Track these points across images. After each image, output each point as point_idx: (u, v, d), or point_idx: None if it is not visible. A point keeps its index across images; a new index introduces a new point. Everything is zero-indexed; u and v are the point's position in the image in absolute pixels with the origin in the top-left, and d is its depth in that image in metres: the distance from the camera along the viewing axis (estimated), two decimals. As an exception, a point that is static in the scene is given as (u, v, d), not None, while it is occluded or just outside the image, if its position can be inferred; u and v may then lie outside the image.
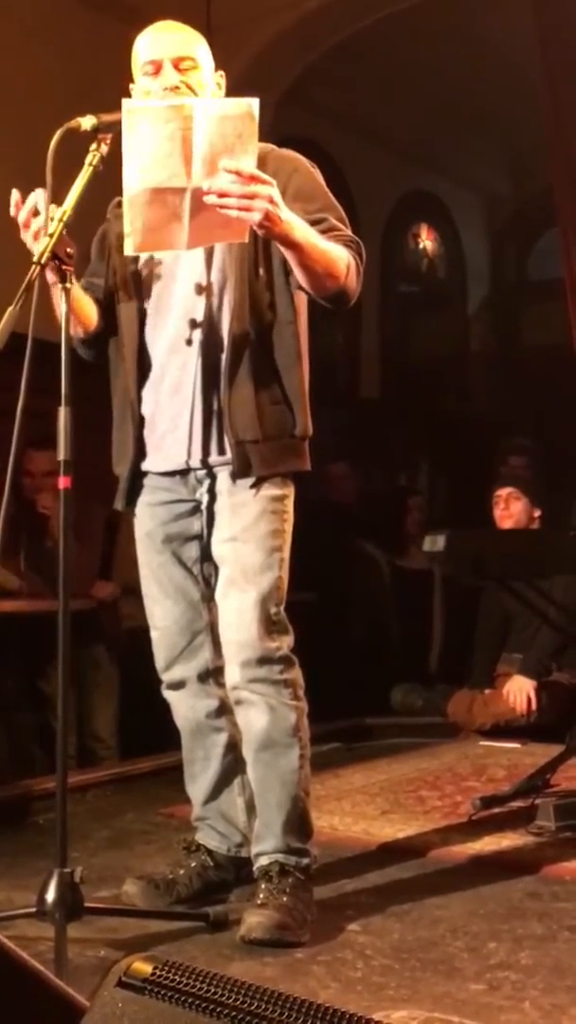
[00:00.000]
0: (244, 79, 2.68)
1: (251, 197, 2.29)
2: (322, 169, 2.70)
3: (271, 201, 2.30)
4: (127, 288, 2.68)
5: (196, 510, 2.69)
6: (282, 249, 2.48)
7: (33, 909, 2.29)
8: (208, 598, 2.72)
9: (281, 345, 2.62)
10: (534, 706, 4.62)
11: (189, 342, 2.62)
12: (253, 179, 2.29)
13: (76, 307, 2.56)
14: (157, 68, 2.55)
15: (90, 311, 2.69)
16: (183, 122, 2.26)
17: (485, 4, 6.54)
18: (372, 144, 7.89)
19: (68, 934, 2.24)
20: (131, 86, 2.62)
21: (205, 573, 2.72)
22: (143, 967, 1.15)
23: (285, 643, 2.61)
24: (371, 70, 7.16)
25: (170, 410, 2.65)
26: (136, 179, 2.30)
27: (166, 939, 2.48)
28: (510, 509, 4.99)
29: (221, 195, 2.28)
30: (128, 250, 2.43)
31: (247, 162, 2.29)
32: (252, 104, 2.28)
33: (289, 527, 2.65)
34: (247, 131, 2.28)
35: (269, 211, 2.30)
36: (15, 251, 2.47)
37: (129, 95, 2.58)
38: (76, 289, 2.53)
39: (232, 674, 2.61)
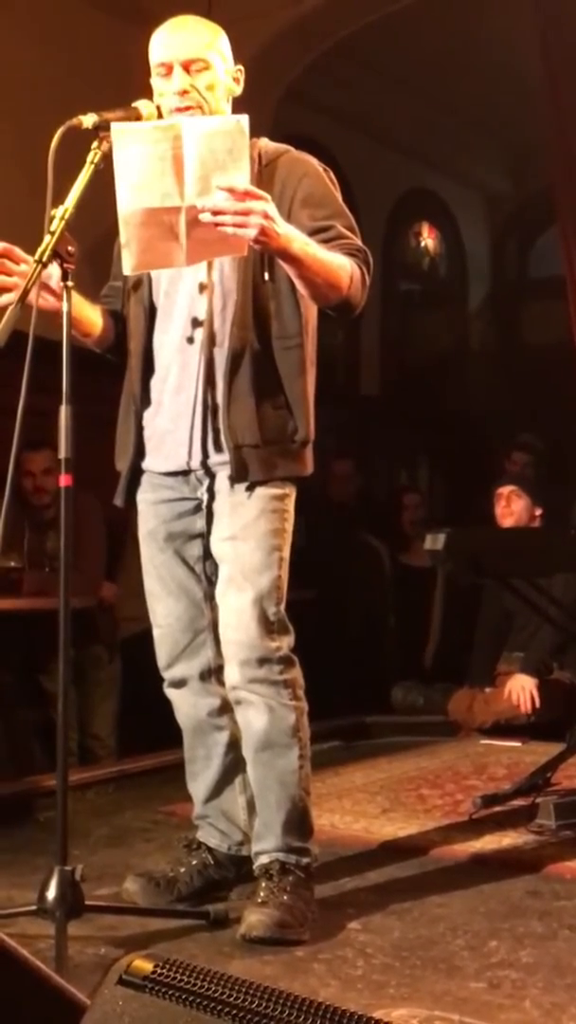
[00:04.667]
0: (245, 77, 2.67)
1: (246, 213, 2.28)
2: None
3: (266, 216, 2.29)
4: (138, 287, 2.69)
5: (198, 508, 2.69)
6: (281, 262, 2.47)
7: (34, 907, 2.30)
8: (210, 596, 2.71)
9: (285, 351, 2.61)
10: (537, 704, 4.61)
11: (191, 340, 2.62)
12: (247, 195, 2.29)
13: (75, 315, 2.51)
14: (168, 70, 2.55)
15: (91, 319, 2.68)
16: (172, 142, 2.28)
17: (486, 1, 6.53)
18: (373, 142, 7.88)
19: (68, 932, 2.25)
20: (151, 80, 2.61)
21: (207, 571, 2.72)
22: (143, 965, 1.15)
23: (285, 643, 2.61)
24: (372, 68, 7.16)
25: (173, 410, 2.65)
26: (129, 200, 2.32)
27: (166, 937, 2.48)
28: (511, 507, 4.99)
29: (216, 212, 2.28)
30: (126, 270, 2.45)
31: (240, 178, 2.30)
32: (242, 120, 2.30)
33: (289, 526, 2.65)
34: (237, 147, 2.29)
35: (265, 226, 2.29)
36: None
37: (134, 93, 2.58)
38: (76, 298, 2.51)
39: (231, 674, 2.60)
